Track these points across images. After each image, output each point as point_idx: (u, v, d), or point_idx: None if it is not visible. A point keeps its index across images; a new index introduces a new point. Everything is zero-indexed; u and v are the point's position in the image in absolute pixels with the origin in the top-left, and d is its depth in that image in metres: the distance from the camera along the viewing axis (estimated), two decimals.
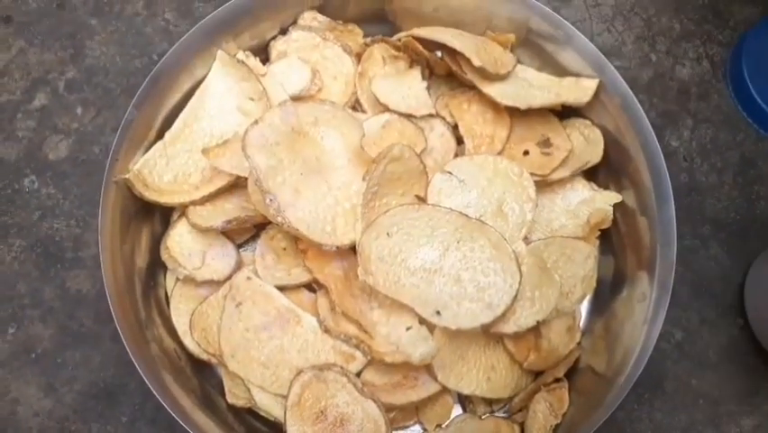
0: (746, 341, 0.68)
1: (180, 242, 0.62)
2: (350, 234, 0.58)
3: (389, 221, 0.58)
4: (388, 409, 0.57)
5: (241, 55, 0.65)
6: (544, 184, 0.63)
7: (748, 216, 0.71)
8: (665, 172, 0.60)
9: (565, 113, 0.66)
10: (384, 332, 0.58)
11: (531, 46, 0.67)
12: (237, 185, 0.62)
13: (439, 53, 0.67)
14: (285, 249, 0.63)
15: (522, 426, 0.60)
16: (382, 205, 0.59)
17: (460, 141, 0.65)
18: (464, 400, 0.63)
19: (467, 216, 0.58)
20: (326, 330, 0.59)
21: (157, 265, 0.64)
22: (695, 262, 0.70)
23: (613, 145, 0.64)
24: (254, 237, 0.65)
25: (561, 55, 0.65)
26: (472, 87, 0.65)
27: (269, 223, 0.62)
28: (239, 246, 0.64)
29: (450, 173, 0.61)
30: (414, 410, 0.62)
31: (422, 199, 0.61)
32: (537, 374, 0.62)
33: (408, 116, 0.64)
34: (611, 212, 0.64)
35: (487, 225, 0.58)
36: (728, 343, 0.68)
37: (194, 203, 0.62)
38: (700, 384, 0.67)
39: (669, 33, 0.77)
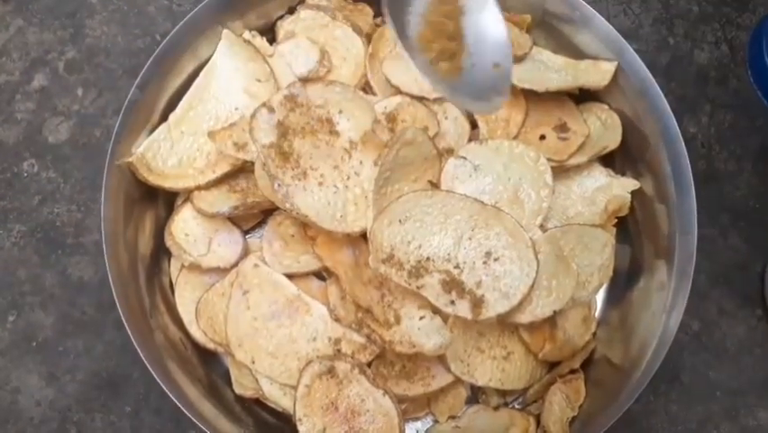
0: (765, 332, 0.67)
1: (185, 228, 0.61)
2: (360, 222, 0.57)
3: (402, 208, 0.56)
4: (399, 400, 0.56)
5: (247, 35, 0.63)
6: (560, 170, 0.62)
7: None
8: (686, 159, 0.59)
9: (582, 97, 0.65)
10: (396, 321, 0.56)
11: (547, 28, 0.65)
12: (244, 169, 0.61)
13: None
14: (293, 236, 0.61)
15: (537, 418, 0.59)
16: (394, 191, 0.58)
17: (474, 125, 0.63)
18: (477, 392, 0.62)
19: (482, 202, 0.57)
20: (337, 319, 0.58)
21: (161, 252, 0.63)
22: (713, 251, 0.68)
23: (631, 131, 0.63)
24: (261, 223, 0.64)
25: (577, 37, 0.64)
26: None
27: (277, 209, 0.61)
28: (245, 233, 0.63)
29: (464, 158, 0.60)
30: (426, 401, 0.60)
31: (435, 185, 0.59)
32: (552, 365, 0.61)
33: (421, 99, 0.62)
34: (629, 199, 0.63)
35: (503, 211, 0.57)
36: (746, 334, 0.67)
37: (199, 188, 0.60)
38: (718, 376, 0.66)
39: (687, 16, 0.75)
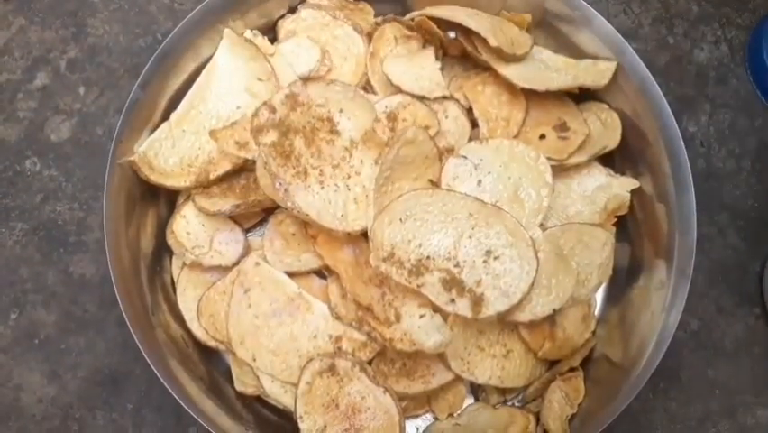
0: (763, 330, 0.67)
1: (187, 226, 0.61)
2: (361, 220, 0.57)
3: (402, 206, 0.57)
4: (400, 397, 0.56)
5: (248, 34, 0.63)
6: (560, 169, 0.62)
7: (767, 203, 0.70)
8: (685, 158, 0.59)
9: (581, 96, 0.65)
10: (397, 319, 0.56)
11: (547, 27, 0.65)
12: (245, 168, 0.61)
13: (452, 34, 0.65)
14: (294, 234, 0.61)
15: (537, 415, 0.59)
16: (395, 190, 0.58)
17: (474, 124, 0.63)
18: (477, 390, 0.62)
19: (482, 201, 0.57)
20: (337, 317, 0.58)
21: (163, 250, 0.63)
22: (712, 249, 0.69)
23: (630, 130, 0.63)
24: (262, 222, 0.64)
25: (577, 37, 0.64)
26: (487, 69, 0.63)
27: (278, 207, 0.61)
28: (246, 231, 0.63)
29: (464, 157, 0.60)
30: (426, 399, 0.61)
31: (435, 184, 0.59)
32: (552, 364, 0.61)
33: (421, 98, 0.62)
34: (628, 198, 0.63)
35: (503, 210, 0.57)
36: (745, 332, 0.67)
37: (200, 186, 0.60)
38: (716, 374, 0.66)
39: (687, 16, 0.75)
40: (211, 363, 0.62)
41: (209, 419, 0.55)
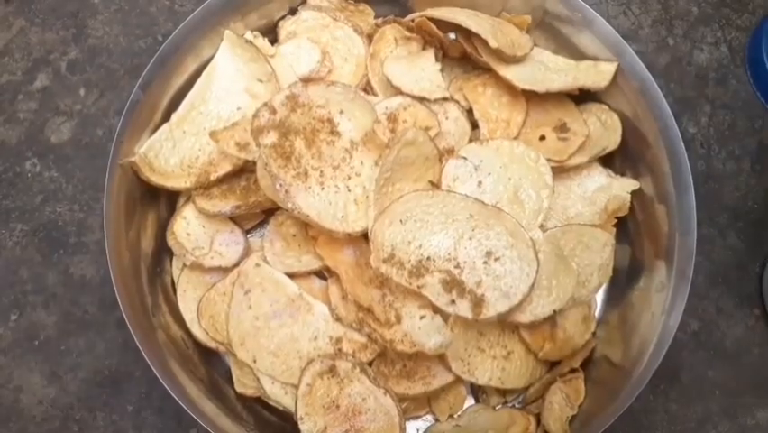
0: (763, 331, 0.67)
1: (187, 227, 0.61)
2: (361, 221, 0.57)
3: (402, 208, 0.57)
4: (400, 398, 0.56)
5: (249, 35, 0.64)
6: (560, 170, 0.62)
7: (766, 204, 0.70)
8: (685, 159, 0.59)
9: (581, 97, 0.65)
10: (397, 321, 0.56)
11: (547, 28, 0.65)
12: (245, 169, 0.61)
13: (453, 35, 0.65)
14: (294, 235, 0.61)
15: (537, 417, 0.59)
16: (395, 191, 0.58)
17: (474, 125, 0.63)
18: (477, 391, 0.62)
19: (482, 202, 0.57)
20: (338, 318, 0.58)
21: (163, 251, 0.63)
22: (712, 251, 0.69)
23: (630, 131, 0.63)
24: (263, 223, 0.64)
25: (577, 38, 0.64)
26: (487, 70, 0.63)
27: (278, 208, 0.61)
28: (247, 232, 0.63)
29: (464, 158, 0.60)
30: (426, 400, 0.61)
31: (436, 185, 0.59)
32: (552, 365, 0.61)
33: (422, 100, 0.62)
34: (629, 199, 0.63)
35: (503, 211, 0.57)
36: (745, 333, 0.67)
37: (201, 187, 0.60)
38: (716, 375, 0.66)
39: (686, 17, 0.75)
40: (211, 364, 0.62)
41: (209, 421, 0.55)
